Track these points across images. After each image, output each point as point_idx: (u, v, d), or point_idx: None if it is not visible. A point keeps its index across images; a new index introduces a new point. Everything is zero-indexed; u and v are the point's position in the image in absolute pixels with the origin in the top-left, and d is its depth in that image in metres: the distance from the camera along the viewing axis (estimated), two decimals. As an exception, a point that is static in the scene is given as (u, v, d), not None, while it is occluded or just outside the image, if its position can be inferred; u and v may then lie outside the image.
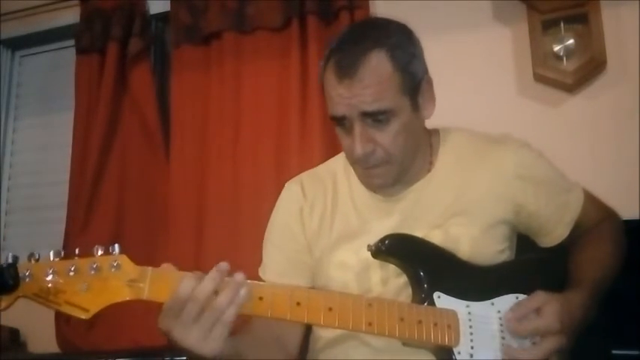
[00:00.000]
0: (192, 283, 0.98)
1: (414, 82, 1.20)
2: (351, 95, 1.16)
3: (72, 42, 2.79)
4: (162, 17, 2.77)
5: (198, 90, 2.55)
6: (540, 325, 1.13)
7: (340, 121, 1.20)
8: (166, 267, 1.03)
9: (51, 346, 2.50)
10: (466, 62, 2.30)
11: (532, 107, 2.23)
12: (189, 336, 0.98)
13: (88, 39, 2.70)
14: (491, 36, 2.30)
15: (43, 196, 2.92)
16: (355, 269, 1.25)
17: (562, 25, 2.18)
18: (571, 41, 2.17)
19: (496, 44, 2.29)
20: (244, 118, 2.46)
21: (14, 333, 2.56)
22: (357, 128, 1.18)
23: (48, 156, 2.95)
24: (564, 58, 2.17)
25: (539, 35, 2.19)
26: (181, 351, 1.00)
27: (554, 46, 2.18)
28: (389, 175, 1.24)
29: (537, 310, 1.14)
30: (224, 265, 1.01)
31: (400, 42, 1.21)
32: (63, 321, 2.48)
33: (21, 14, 2.93)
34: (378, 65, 1.16)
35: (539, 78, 2.21)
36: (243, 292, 1.00)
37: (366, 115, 1.17)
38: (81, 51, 2.72)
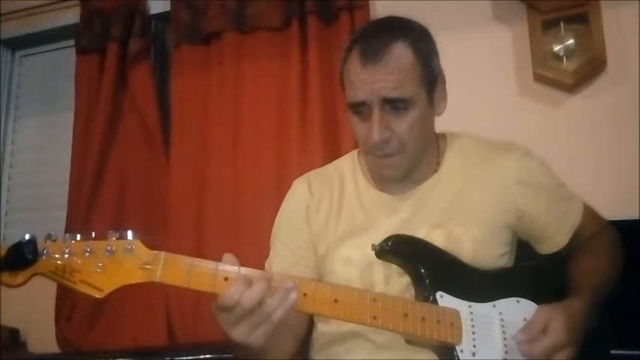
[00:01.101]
0: (240, 289, 1.00)
1: (432, 76, 1.25)
2: (373, 80, 1.19)
3: (72, 42, 2.79)
4: (162, 17, 2.77)
5: (198, 90, 2.55)
6: (552, 344, 1.13)
7: (359, 107, 1.23)
8: (227, 257, 1.06)
9: (51, 346, 2.50)
10: (466, 62, 2.29)
11: (532, 107, 2.23)
12: (235, 330, 1.03)
13: (88, 39, 2.70)
14: (492, 36, 2.30)
15: (43, 196, 2.92)
16: (359, 265, 1.27)
17: (562, 25, 2.18)
18: (571, 41, 2.17)
19: (496, 44, 2.29)
20: (244, 118, 2.46)
21: (14, 333, 2.56)
22: (376, 114, 1.20)
23: (48, 156, 2.95)
24: (564, 58, 2.18)
25: (539, 35, 2.19)
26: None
27: (554, 46, 2.18)
28: (400, 167, 1.26)
29: (544, 328, 1.14)
30: (269, 275, 1.05)
31: (421, 36, 1.26)
32: (63, 321, 2.48)
33: (21, 14, 2.93)
34: (401, 54, 1.20)
35: (539, 78, 2.21)
36: (293, 296, 1.03)
37: (386, 101, 1.19)
38: (81, 51, 2.72)
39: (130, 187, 2.61)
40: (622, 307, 1.39)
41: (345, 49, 1.26)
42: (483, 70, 2.29)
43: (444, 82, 1.30)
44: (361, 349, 1.24)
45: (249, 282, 1.02)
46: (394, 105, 1.20)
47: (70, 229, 2.58)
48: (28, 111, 3.07)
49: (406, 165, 1.27)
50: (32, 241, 0.96)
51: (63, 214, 2.64)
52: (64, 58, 2.95)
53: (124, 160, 2.63)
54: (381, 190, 1.33)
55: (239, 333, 1.02)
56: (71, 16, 2.82)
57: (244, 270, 1.05)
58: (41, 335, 2.54)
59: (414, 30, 1.26)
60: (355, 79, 1.21)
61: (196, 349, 2.12)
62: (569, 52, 2.17)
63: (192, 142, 2.52)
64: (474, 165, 1.32)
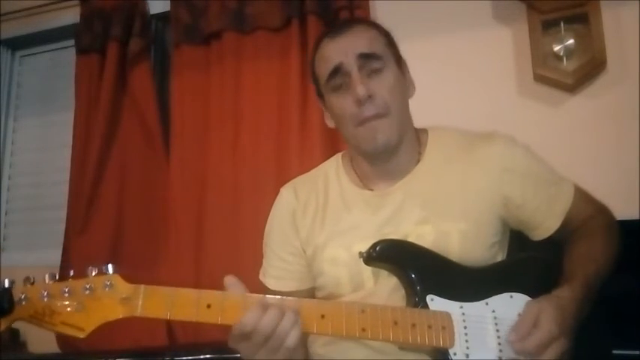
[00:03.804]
0: (258, 314, 1.03)
1: (397, 52, 1.33)
2: (346, 45, 1.26)
3: (72, 42, 2.79)
4: (163, 17, 2.77)
5: (198, 90, 2.55)
6: (542, 338, 1.13)
7: (336, 75, 1.26)
8: (229, 280, 1.08)
9: (51, 346, 2.50)
10: (466, 62, 2.30)
11: (532, 107, 2.23)
12: (258, 355, 1.05)
13: (88, 39, 2.70)
14: (491, 36, 2.30)
15: (43, 196, 2.92)
16: (347, 265, 1.27)
17: (562, 25, 2.18)
18: (571, 41, 2.17)
19: (496, 44, 2.29)
20: (244, 118, 2.46)
21: (14, 333, 2.56)
22: (355, 73, 1.24)
23: (48, 156, 2.96)
24: (564, 58, 2.17)
25: (539, 35, 2.19)
26: None
27: (554, 46, 2.18)
28: (391, 131, 1.26)
29: (534, 323, 1.14)
30: (278, 299, 1.08)
31: (381, 26, 1.36)
32: (63, 321, 2.48)
33: (21, 14, 2.93)
34: (365, 28, 1.31)
35: (539, 78, 2.21)
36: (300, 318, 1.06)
37: (362, 57, 1.24)
38: (81, 51, 2.72)
39: (130, 187, 2.61)
40: (622, 307, 1.39)
41: (313, 50, 1.35)
42: (483, 70, 2.29)
43: (408, 70, 1.37)
44: (356, 352, 1.24)
45: (264, 307, 1.03)
46: (370, 64, 1.25)
47: (70, 229, 2.59)
48: (28, 111, 3.07)
49: (395, 129, 1.26)
50: (8, 290, 0.97)
51: (63, 214, 2.64)
52: (64, 58, 2.95)
53: (124, 160, 2.63)
54: (364, 187, 1.33)
55: (261, 357, 1.04)
56: (71, 16, 2.83)
57: (229, 294, 1.06)
58: (41, 335, 2.52)
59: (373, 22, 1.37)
60: (327, 50, 1.28)
61: (196, 349, 2.12)
62: (569, 52, 2.17)
63: (192, 142, 2.52)
64: (457, 155, 1.31)
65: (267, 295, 1.09)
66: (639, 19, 2.12)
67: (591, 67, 2.14)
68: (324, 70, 1.28)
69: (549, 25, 2.19)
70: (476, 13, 2.32)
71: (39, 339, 2.59)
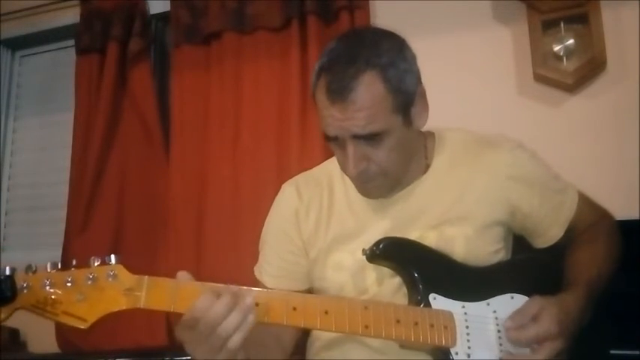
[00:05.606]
0: (208, 302, 0.99)
1: (407, 99, 1.18)
2: (343, 118, 1.14)
3: (72, 42, 2.79)
4: (163, 17, 2.77)
5: (198, 90, 2.55)
6: (539, 332, 1.13)
7: (333, 139, 1.20)
8: (182, 275, 1.05)
9: (51, 346, 2.50)
10: (466, 62, 2.30)
11: (532, 107, 2.23)
12: (198, 351, 1.01)
13: (88, 39, 2.70)
14: (491, 36, 2.30)
15: (43, 196, 2.92)
16: (351, 270, 1.26)
17: (562, 25, 2.18)
18: (571, 41, 2.17)
19: (496, 44, 2.29)
20: (244, 118, 2.46)
21: (14, 333, 2.56)
22: (350, 148, 1.16)
23: (48, 156, 2.95)
24: (564, 58, 2.18)
25: (539, 35, 2.19)
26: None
27: (554, 46, 2.18)
28: (384, 188, 1.25)
29: (534, 316, 1.14)
30: (236, 289, 1.03)
31: (392, 60, 1.16)
32: (63, 321, 2.48)
33: (21, 14, 2.93)
34: (370, 88, 1.13)
35: (539, 78, 2.21)
36: (250, 318, 1.01)
37: (358, 136, 1.15)
38: (81, 51, 2.72)
39: (130, 187, 2.61)
40: (622, 307, 1.39)
41: (315, 73, 1.20)
42: (483, 70, 2.29)
43: (424, 95, 1.24)
44: (357, 353, 1.23)
45: (217, 294, 1.00)
46: (367, 138, 1.16)
47: (70, 229, 2.59)
48: (28, 111, 3.07)
49: (389, 185, 1.25)
50: (10, 277, 0.94)
51: (63, 214, 2.64)
52: (64, 58, 2.95)
53: (124, 160, 2.63)
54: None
55: (201, 354, 1.01)
56: (71, 16, 2.83)
57: (233, 288, 1.03)
58: (41, 335, 2.54)
59: (383, 54, 1.16)
60: (325, 114, 1.17)
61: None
62: (569, 52, 2.17)
63: (192, 142, 2.52)
64: (464, 162, 1.30)
65: (245, 287, 1.06)
66: (639, 19, 2.12)
67: (591, 67, 2.14)
68: (321, 124, 1.20)
69: (549, 25, 2.19)
70: (476, 13, 2.32)
71: (39, 339, 2.59)
